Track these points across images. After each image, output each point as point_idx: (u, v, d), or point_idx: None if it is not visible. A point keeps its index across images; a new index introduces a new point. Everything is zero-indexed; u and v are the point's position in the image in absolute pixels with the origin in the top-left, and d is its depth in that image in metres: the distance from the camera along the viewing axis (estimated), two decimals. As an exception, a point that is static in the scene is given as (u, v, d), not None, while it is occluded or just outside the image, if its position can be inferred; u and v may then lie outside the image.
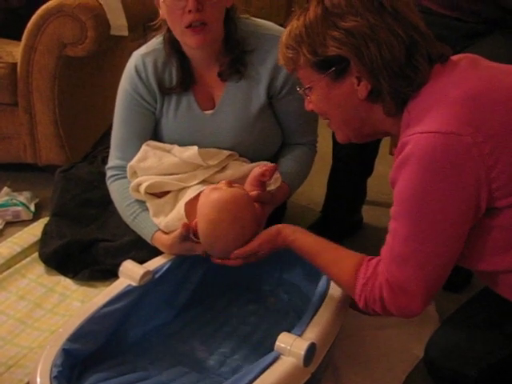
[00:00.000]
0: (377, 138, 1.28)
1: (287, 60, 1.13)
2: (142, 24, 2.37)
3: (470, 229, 1.03)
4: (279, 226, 1.25)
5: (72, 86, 2.07)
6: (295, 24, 1.10)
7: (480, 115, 0.98)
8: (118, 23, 2.01)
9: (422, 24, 1.08)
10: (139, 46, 1.59)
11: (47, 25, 1.89)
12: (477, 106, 0.99)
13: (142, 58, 1.53)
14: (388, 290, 1.05)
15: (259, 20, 1.57)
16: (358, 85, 1.07)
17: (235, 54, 1.47)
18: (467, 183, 0.98)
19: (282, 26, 1.56)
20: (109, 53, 2.28)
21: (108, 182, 1.59)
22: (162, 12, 1.43)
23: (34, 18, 1.91)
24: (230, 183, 1.32)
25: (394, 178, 1.05)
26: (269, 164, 1.41)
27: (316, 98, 1.14)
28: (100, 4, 1.95)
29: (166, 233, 1.45)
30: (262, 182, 1.38)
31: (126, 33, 2.06)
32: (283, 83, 1.50)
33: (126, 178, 1.54)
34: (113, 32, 2.01)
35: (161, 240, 1.45)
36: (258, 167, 1.38)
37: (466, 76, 1.05)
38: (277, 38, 1.46)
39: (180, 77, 1.51)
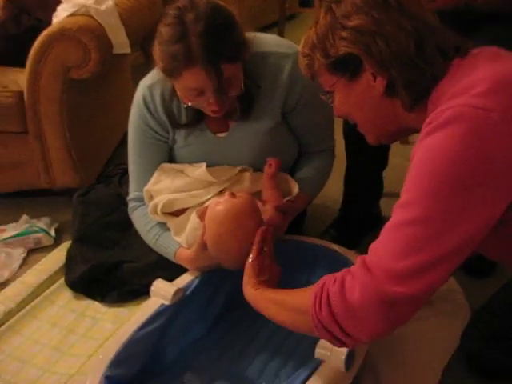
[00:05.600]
0: (406, 136, 1.26)
1: (305, 67, 1.16)
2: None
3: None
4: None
5: (79, 107, 2.08)
6: (308, 33, 1.13)
7: (508, 98, 0.95)
8: (120, 41, 2.00)
9: (431, 17, 1.08)
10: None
11: (50, 50, 1.88)
12: (504, 90, 0.96)
13: (149, 89, 1.49)
14: (367, 274, 0.90)
15: (264, 36, 1.51)
16: (374, 81, 1.08)
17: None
18: (498, 156, 0.89)
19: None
20: (111, 70, 2.28)
21: (130, 213, 1.61)
22: None
23: (36, 44, 1.90)
24: (233, 194, 1.32)
25: (417, 148, 0.96)
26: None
27: (338, 101, 1.15)
28: (100, 24, 1.94)
29: (188, 249, 1.46)
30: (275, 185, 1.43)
31: (128, 50, 2.05)
32: (298, 99, 1.48)
33: (145, 204, 1.55)
34: (115, 51, 2.00)
35: (184, 255, 1.46)
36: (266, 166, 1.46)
37: (490, 64, 1.02)
38: (286, 54, 1.44)
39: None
